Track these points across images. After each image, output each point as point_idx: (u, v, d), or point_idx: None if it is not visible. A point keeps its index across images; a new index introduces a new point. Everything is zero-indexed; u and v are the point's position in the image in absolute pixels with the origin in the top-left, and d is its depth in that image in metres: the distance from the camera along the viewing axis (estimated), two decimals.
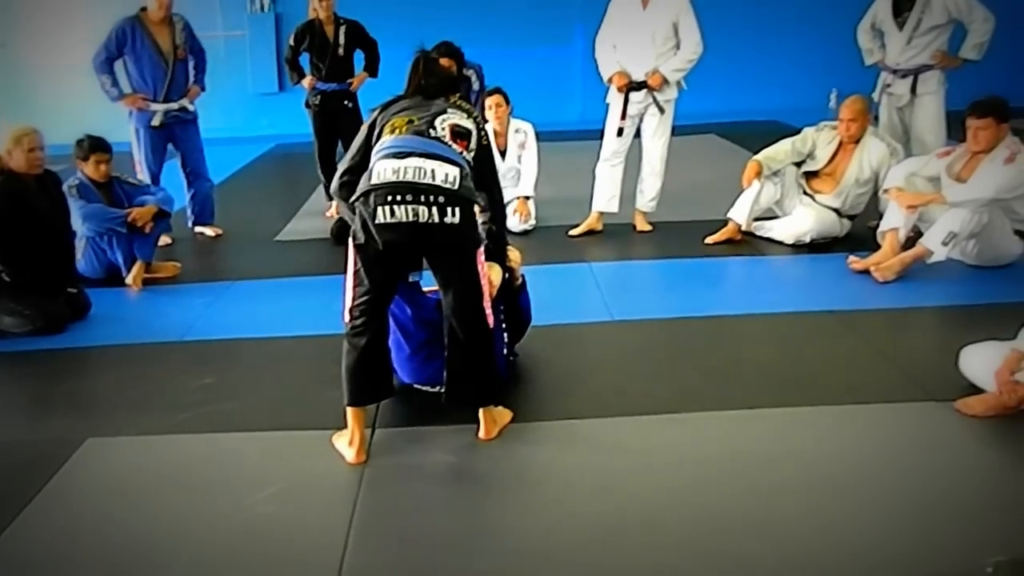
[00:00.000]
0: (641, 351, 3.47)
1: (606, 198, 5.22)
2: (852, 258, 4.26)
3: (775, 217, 4.96)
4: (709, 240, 4.90)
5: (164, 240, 5.35)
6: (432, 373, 3.00)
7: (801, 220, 4.72)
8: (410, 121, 2.61)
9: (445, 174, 2.49)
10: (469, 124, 2.69)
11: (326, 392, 2.86)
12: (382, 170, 2.51)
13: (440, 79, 2.80)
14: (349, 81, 5.86)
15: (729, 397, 3.01)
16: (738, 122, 8.88)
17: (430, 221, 2.49)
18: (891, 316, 3.76)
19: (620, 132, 5.05)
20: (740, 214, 4.85)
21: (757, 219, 4.96)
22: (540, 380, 3.24)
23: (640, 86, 4.90)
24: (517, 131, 5.44)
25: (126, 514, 2.40)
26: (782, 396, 3.00)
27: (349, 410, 2.68)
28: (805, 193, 4.82)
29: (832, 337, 3.54)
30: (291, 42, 5.77)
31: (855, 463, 2.58)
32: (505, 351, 3.17)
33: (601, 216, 5.26)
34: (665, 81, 4.86)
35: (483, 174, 2.78)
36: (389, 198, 2.47)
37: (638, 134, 5.15)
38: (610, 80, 4.97)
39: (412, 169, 2.48)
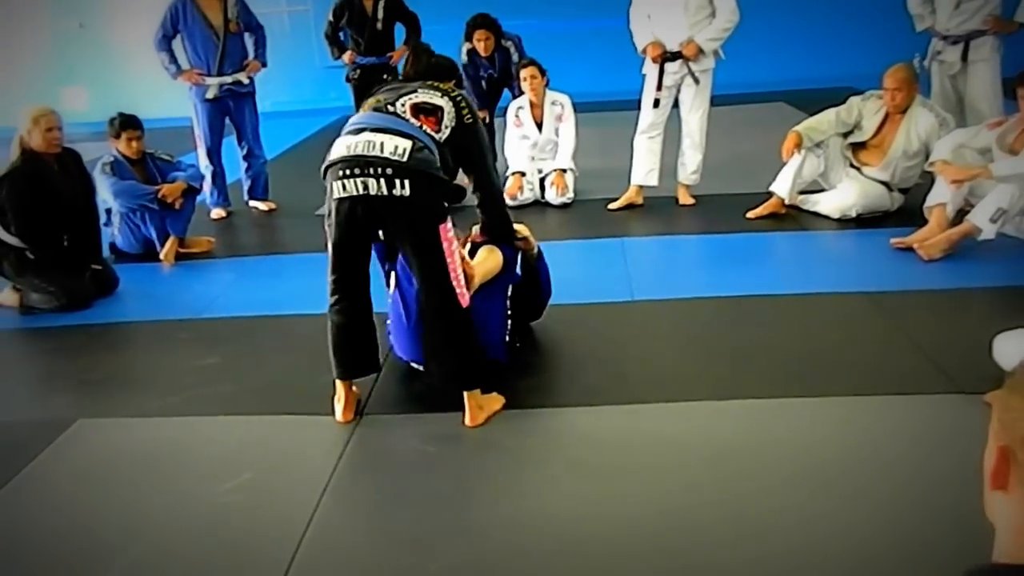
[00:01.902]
0: (655, 334, 3.31)
1: (644, 171, 5.03)
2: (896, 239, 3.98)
3: (823, 190, 4.68)
4: (750, 214, 4.67)
5: (219, 213, 5.47)
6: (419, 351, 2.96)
7: (846, 193, 4.44)
8: (376, 101, 2.61)
9: (395, 146, 2.46)
10: (440, 101, 2.60)
11: (326, 376, 2.81)
12: (337, 147, 2.54)
13: (429, 66, 2.79)
14: (389, 55, 5.81)
15: (742, 385, 2.84)
16: (810, 89, 8.42)
17: (379, 193, 2.47)
18: (930, 298, 3.48)
19: (656, 103, 4.84)
20: (782, 187, 4.60)
21: (803, 192, 4.70)
22: (541, 364, 3.12)
23: (675, 56, 4.68)
24: (554, 103, 5.29)
25: (96, 497, 2.42)
26: (799, 384, 2.81)
27: (338, 382, 2.75)
28: (852, 166, 4.52)
29: (863, 320, 3.30)
30: (330, 17, 5.75)
31: (867, 459, 2.38)
32: (507, 337, 3.06)
33: (640, 190, 5.08)
34: (700, 51, 4.61)
35: (469, 154, 2.71)
36: (341, 172, 2.49)
37: (677, 105, 4.94)
38: (644, 51, 4.76)
39: (362, 143, 2.48)
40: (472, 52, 5.62)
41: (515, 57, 5.57)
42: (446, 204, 2.61)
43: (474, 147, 2.73)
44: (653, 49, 4.69)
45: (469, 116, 2.66)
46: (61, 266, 3.90)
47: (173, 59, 5.19)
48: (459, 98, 2.66)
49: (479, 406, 2.71)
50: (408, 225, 2.55)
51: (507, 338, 3.06)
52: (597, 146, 6.17)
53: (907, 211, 4.40)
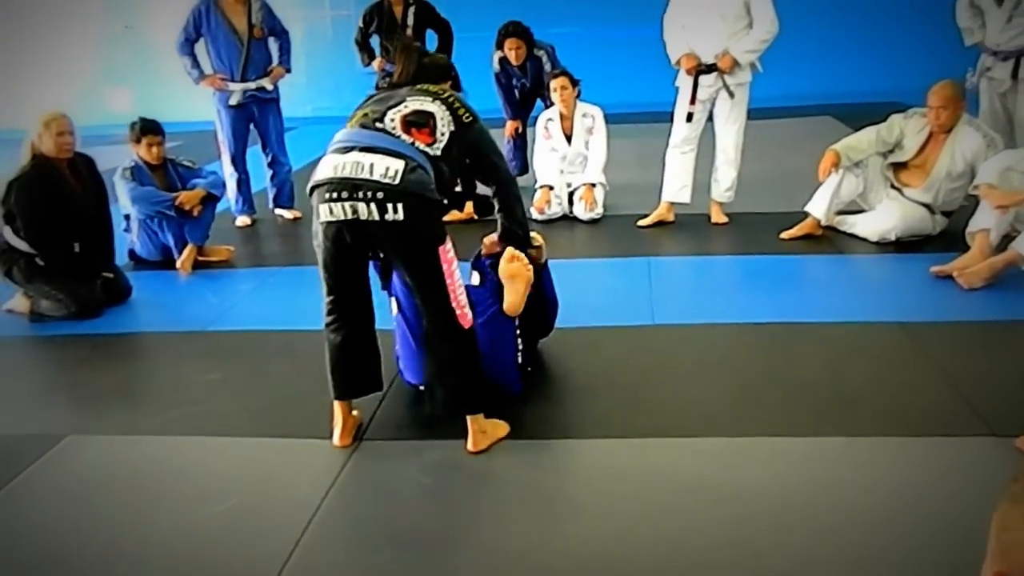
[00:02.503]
0: (674, 362, 3.14)
1: (676, 187, 4.85)
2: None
3: (862, 211, 4.46)
4: (784, 235, 4.47)
5: (243, 221, 5.42)
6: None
7: (885, 216, 4.21)
8: (364, 115, 2.46)
9: (385, 168, 2.32)
10: (434, 107, 2.45)
11: (327, 396, 2.69)
12: (323, 166, 2.41)
13: (421, 67, 2.63)
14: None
15: (762, 420, 2.66)
16: (861, 103, 8.14)
17: (371, 218, 2.34)
18: (967, 331, 3.26)
19: (690, 117, 4.67)
20: (818, 208, 4.39)
21: (841, 213, 4.49)
22: (549, 390, 2.97)
23: (710, 69, 4.49)
24: (585, 115, 5.14)
25: (75, 520, 2.32)
26: (821, 422, 2.63)
27: (335, 403, 2.65)
28: (893, 186, 4.30)
29: (895, 353, 3.10)
30: (360, 23, 5.68)
31: (888, 505, 2.19)
32: (519, 361, 2.93)
33: (671, 207, 4.90)
34: (736, 63, 4.43)
35: (476, 152, 2.59)
36: (327, 195, 2.36)
37: (712, 119, 4.75)
38: (678, 62, 4.59)
39: (350, 164, 2.35)
40: (504, 61, 5.51)
41: (548, 67, 5.44)
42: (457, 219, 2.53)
43: (480, 144, 2.60)
44: (687, 61, 4.52)
45: (467, 115, 2.52)
46: (71, 273, 3.85)
47: (196, 63, 5.15)
48: (451, 99, 2.51)
49: (482, 431, 2.59)
50: (404, 249, 2.44)
51: (519, 362, 2.92)
52: (630, 159, 6.02)
53: (950, 235, 4.16)
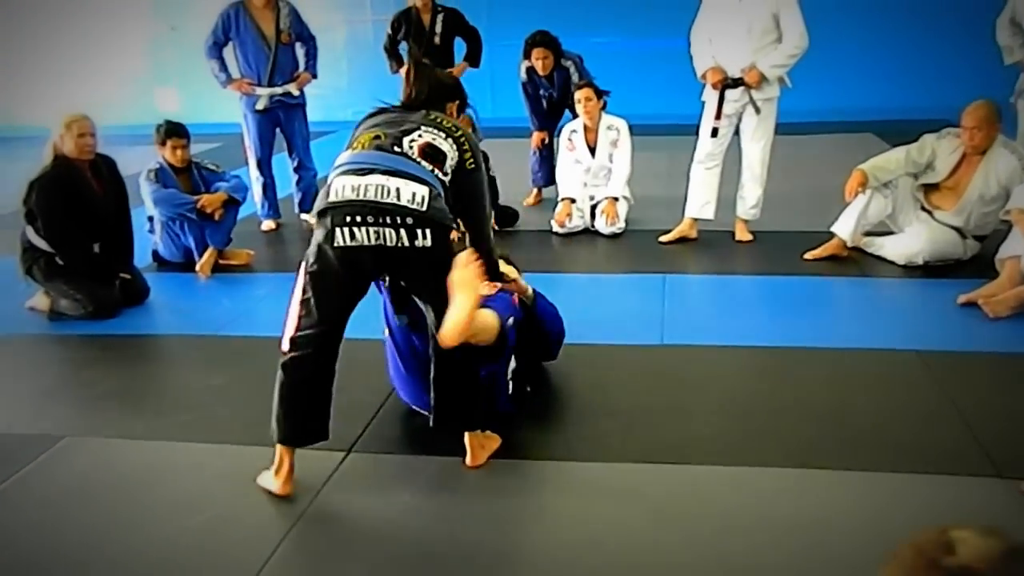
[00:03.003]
0: (678, 384, 3.06)
1: (699, 203, 4.76)
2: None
3: (891, 233, 4.32)
4: (808, 256, 4.36)
5: (269, 225, 5.47)
6: (418, 397, 2.82)
7: (914, 238, 4.08)
8: (376, 136, 2.36)
9: (412, 193, 2.25)
10: (446, 146, 2.39)
11: None
12: (340, 187, 2.27)
13: (432, 87, 2.55)
14: (448, 71, 5.70)
15: (763, 449, 2.59)
16: (904, 121, 7.92)
17: (399, 245, 2.26)
18: (986, 363, 3.14)
19: (715, 132, 4.57)
20: (844, 229, 4.27)
21: (869, 234, 4.36)
22: (546, 409, 2.93)
23: (737, 83, 4.40)
24: (610, 128, 5.07)
25: (58, 524, 2.34)
26: (824, 454, 2.55)
27: (279, 448, 2.43)
28: (923, 208, 4.16)
29: (907, 383, 3.00)
30: (388, 30, 5.69)
31: (872, 546, 2.07)
32: (510, 389, 2.87)
33: (695, 223, 4.81)
34: (764, 78, 4.33)
35: (467, 200, 2.49)
36: (348, 219, 2.24)
37: (739, 133, 4.66)
38: (704, 76, 4.50)
39: (374, 187, 2.24)
40: (531, 71, 5.46)
41: (575, 77, 5.37)
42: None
43: (474, 194, 2.50)
44: (713, 75, 4.44)
45: (472, 162, 2.45)
46: (90, 273, 3.90)
47: (223, 67, 5.20)
48: (463, 140, 2.44)
49: (481, 445, 2.59)
50: (428, 274, 2.35)
51: (510, 390, 2.88)
52: (656, 173, 5.93)
53: (982, 261, 4.01)
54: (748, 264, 4.46)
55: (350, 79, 9.81)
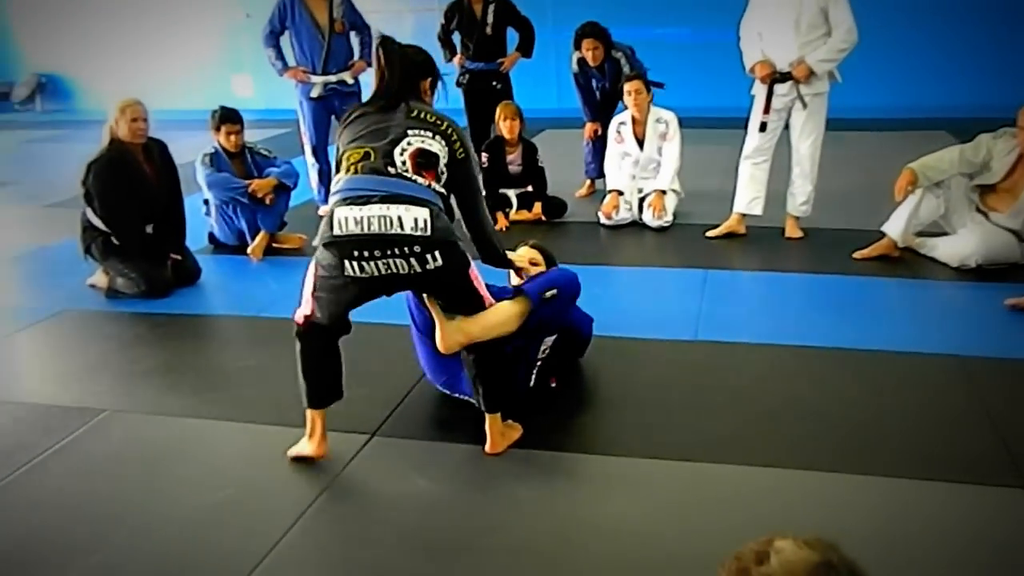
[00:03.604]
0: (704, 381, 3.03)
1: (747, 199, 4.69)
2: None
3: (945, 234, 4.18)
4: (857, 255, 4.25)
5: (325, 210, 5.53)
6: (448, 378, 2.88)
7: (967, 240, 3.94)
8: (366, 154, 2.35)
9: (414, 220, 2.27)
10: (435, 146, 2.40)
11: (352, 390, 2.72)
12: (342, 219, 2.29)
13: (403, 71, 2.47)
14: (499, 61, 5.73)
15: (777, 451, 2.55)
16: (980, 119, 7.59)
17: (411, 272, 2.33)
18: None
19: (763, 127, 4.49)
20: (894, 228, 4.16)
21: (922, 234, 4.22)
22: (569, 400, 2.93)
23: (785, 77, 4.31)
24: (659, 120, 5.02)
25: (88, 495, 2.47)
26: (841, 457, 2.50)
27: (309, 412, 2.57)
28: (978, 210, 4.00)
29: (943, 390, 2.90)
30: (442, 19, 5.74)
31: (887, 552, 2.06)
32: (537, 368, 2.90)
33: (742, 219, 4.73)
34: (812, 73, 4.22)
35: (460, 190, 2.52)
36: (355, 252, 2.29)
37: (788, 128, 4.56)
38: (752, 70, 4.42)
39: (376, 219, 2.26)
40: (582, 62, 5.44)
41: (626, 68, 5.34)
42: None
43: (466, 183, 2.53)
44: (761, 69, 4.35)
45: (462, 152, 2.47)
46: (142, 254, 4.07)
47: (280, 55, 5.32)
48: (450, 132, 2.45)
49: (501, 433, 2.63)
50: (443, 286, 2.46)
51: (533, 378, 2.91)
52: (706, 166, 5.84)
53: None
54: (795, 262, 4.36)
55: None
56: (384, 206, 2.27)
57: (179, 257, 4.23)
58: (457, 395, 2.88)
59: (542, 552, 2.15)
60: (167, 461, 2.64)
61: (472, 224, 2.61)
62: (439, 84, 2.64)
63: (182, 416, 2.91)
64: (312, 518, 2.32)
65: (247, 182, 4.61)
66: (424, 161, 2.38)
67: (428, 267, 2.32)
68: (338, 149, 2.48)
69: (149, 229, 4.16)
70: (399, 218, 2.26)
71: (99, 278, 4.20)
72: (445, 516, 2.32)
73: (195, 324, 3.81)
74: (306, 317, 2.49)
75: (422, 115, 2.45)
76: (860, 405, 2.82)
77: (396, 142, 2.36)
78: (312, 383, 2.54)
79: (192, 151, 4.74)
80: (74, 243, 4.26)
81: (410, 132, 2.39)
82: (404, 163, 2.34)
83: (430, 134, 2.41)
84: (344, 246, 2.29)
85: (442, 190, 2.43)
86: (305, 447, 2.57)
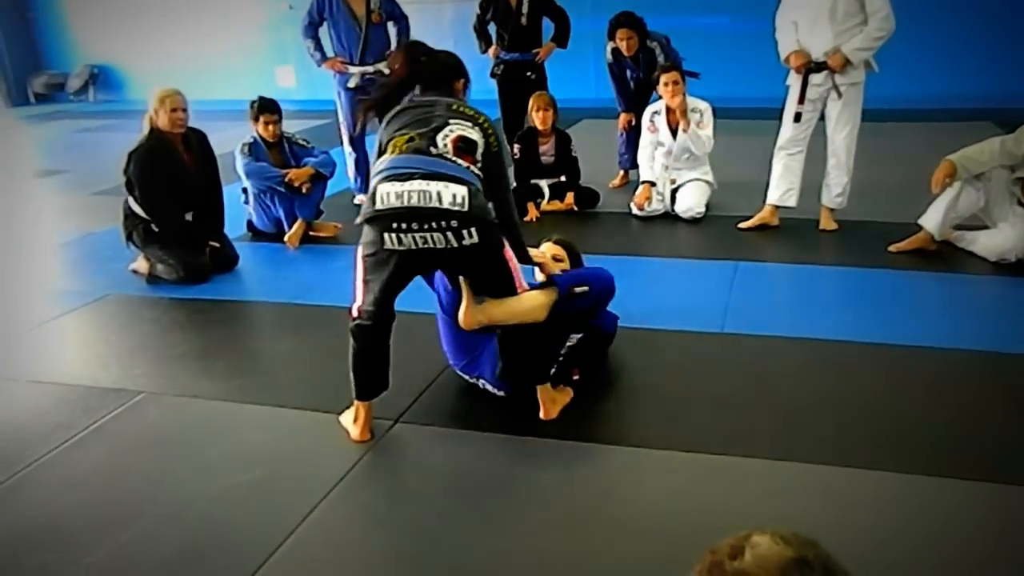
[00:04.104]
0: (728, 374, 3.03)
1: (781, 191, 4.64)
2: None
3: (985, 227, 4.10)
4: (893, 248, 4.19)
5: (361, 199, 5.67)
6: (468, 361, 2.93)
7: (1006, 234, 3.88)
8: (410, 139, 2.49)
9: (453, 195, 2.37)
10: (475, 134, 2.54)
11: None
12: (384, 194, 2.40)
13: (433, 69, 2.67)
14: (534, 51, 5.74)
15: (799, 446, 2.53)
16: None
17: (447, 246, 2.41)
18: None
19: (798, 118, 4.44)
20: (932, 221, 4.08)
21: (961, 227, 4.14)
22: (591, 390, 2.94)
23: (820, 67, 4.25)
24: (693, 110, 4.97)
25: (121, 470, 2.58)
26: (863, 453, 2.47)
27: (356, 402, 2.72)
28: (1020, 203, 3.92)
29: (974, 387, 2.85)
30: (477, 10, 5.76)
31: (909, 551, 2.06)
32: (560, 359, 2.92)
33: (776, 210, 4.69)
34: (848, 62, 4.16)
35: (492, 184, 2.61)
36: (394, 225, 2.39)
37: (824, 118, 4.50)
38: (787, 60, 4.37)
39: (416, 193, 2.37)
40: (616, 52, 5.43)
41: (661, 58, 5.31)
42: None
43: (498, 175, 2.65)
44: (796, 58, 4.30)
45: (495, 145, 2.61)
46: (181, 241, 4.18)
47: (318, 46, 5.40)
48: (486, 125, 2.59)
49: (552, 400, 2.75)
50: (478, 265, 2.56)
51: (554, 368, 2.93)
52: (739, 157, 5.78)
53: None
54: (828, 254, 4.32)
55: None
56: (424, 182, 2.37)
57: (217, 244, 4.33)
58: (474, 379, 2.93)
59: (559, 539, 2.18)
60: (199, 442, 2.73)
61: (499, 214, 2.67)
62: (469, 84, 2.79)
63: (215, 399, 3.00)
64: (335, 499, 2.38)
65: (284, 171, 4.69)
66: (464, 146, 2.50)
67: (464, 243, 2.40)
68: (381, 141, 2.58)
69: (188, 217, 4.27)
70: (438, 193, 2.36)
71: (140, 264, 4.32)
72: (463, 501, 2.37)
73: (231, 310, 3.91)
74: (359, 310, 2.62)
75: (462, 109, 2.59)
76: (890, 401, 2.79)
77: (439, 129, 2.50)
78: (362, 377, 2.68)
79: (236, 141, 4.84)
80: (118, 230, 4.40)
81: (451, 121, 2.53)
82: (446, 146, 2.47)
83: (469, 124, 2.55)
84: (384, 219, 2.40)
85: (480, 173, 2.52)
86: (351, 427, 2.71)
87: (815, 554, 0.94)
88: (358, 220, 2.51)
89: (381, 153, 2.54)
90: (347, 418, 2.74)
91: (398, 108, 2.61)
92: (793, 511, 2.23)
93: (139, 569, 2.13)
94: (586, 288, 2.79)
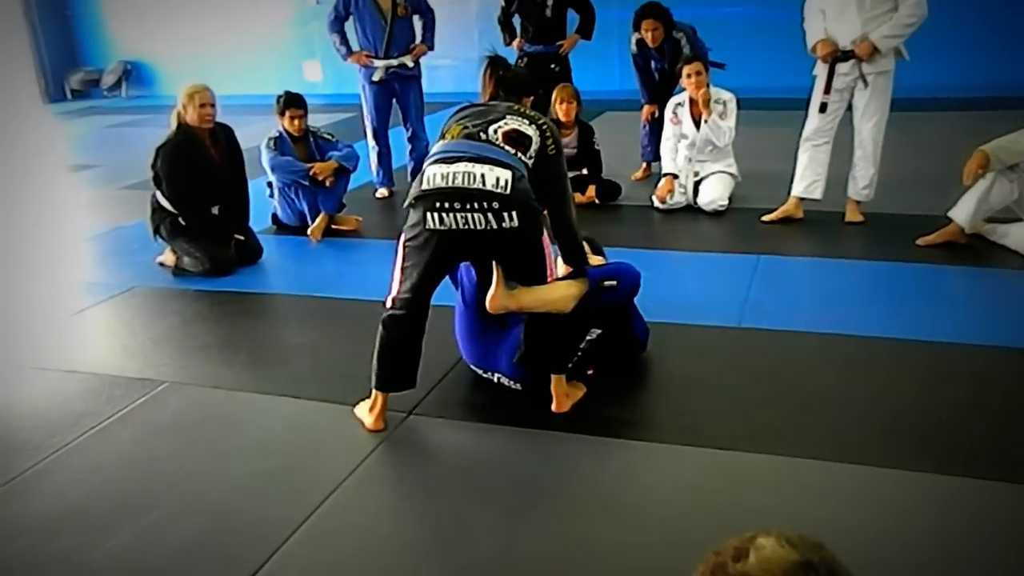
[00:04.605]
0: (742, 369, 2.99)
1: (806, 183, 4.58)
2: None
3: (1018, 220, 4.02)
4: (921, 242, 4.12)
5: (383, 193, 5.71)
6: (482, 355, 2.94)
7: None
8: (464, 127, 2.56)
9: (496, 178, 2.42)
10: (530, 131, 2.57)
11: None
12: (431, 175, 2.47)
13: (507, 85, 2.78)
14: (558, 44, 5.72)
15: (813, 443, 2.50)
16: None
17: (487, 228, 2.45)
18: None
19: (824, 108, 4.38)
20: (962, 214, 4.01)
21: (993, 220, 4.07)
22: (601, 384, 2.92)
23: (848, 56, 4.19)
24: (716, 101, 4.93)
25: (146, 457, 2.64)
26: (884, 452, 2.44)
27: (375, 392, 2.72)
28: None
29: (1001, 385, 2.80)
30: (502, 2, 5.75)
31: (933, 552, 2.04)
32: (577, 355, 2.91)
33: (800, 203, 4.64)
34: (876, 50, 4.09)
35: (549, 185, 2.63)
36: (438, 204, 2.44)
37: (851, 108, 4.43)
38: (813, 49, 4.31)
39: (461, 175, 2.43)
40: (641, 43, 5.39)
41: (686, 49, 5.26)
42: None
43: (555, 178, 2.66)
44: (823, 47, 4.24)
45: (553, 147, 2.62)
46: (208, 234, 4.24)
47: (344, 41, 5.43)
48: (545, 127, 2.61)
49: (565, 394, 2.77)
50: (517, 251, 2.58)
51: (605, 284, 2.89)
52: (764, 148, 5.71)
53: None
54: (853, 248, 4.26)
55: (481, 50, 9.94)
56: (471, 164, 2.43)
57: (242, 237, 4.39)
58: (489, 374, 2.93)
59: (571, 531, 2.18)
60: (220, 431, 2.78)
61: (557, 220, 2.71)
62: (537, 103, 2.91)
63: (236, 389, 3.04)
64: (349, 489, 2.41)
65: (309, 165, 4.73)
66: (516, 138, 2.54)
67: (504, 225, 2.43)
68: (441, 132, 2.66)
69: (215, 210, 4.32)
70: (482, 175, 2.41)
71: (167, 257, 4.39)
72: (476, 493, 2.38)
73: (254, 302, 3.96)
74: (394, 299, 2.63)
75: (523, 109, 2.66)
76: (914, 398, 2.74)
77: (495, 121, 2.57)
78: (385, 367, 2.68)
79: (262, 135, 4.89)
80: (145, 224, 4.46)
81: (508, 116, 2.59)
82: (496, 134, 2.53)
83: (527, 122, 2.60)
84: (429, 199, 2.45)
85: (528, 162, 2.54)
86: (365, 416, 2.73)
87: (820, 557, 0.92)
88: (406, 203, 2.55)
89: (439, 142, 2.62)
90: (362, 408, 2.76)
91: (464, 104, 2.70)
92: (806, 509, 2.20)
93: (159, 553, 2.17)
94: (615, 282, 2.82)
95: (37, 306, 4.07)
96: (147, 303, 4.01)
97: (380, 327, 2.67)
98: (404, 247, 2.59)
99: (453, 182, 2.42)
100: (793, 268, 4.06)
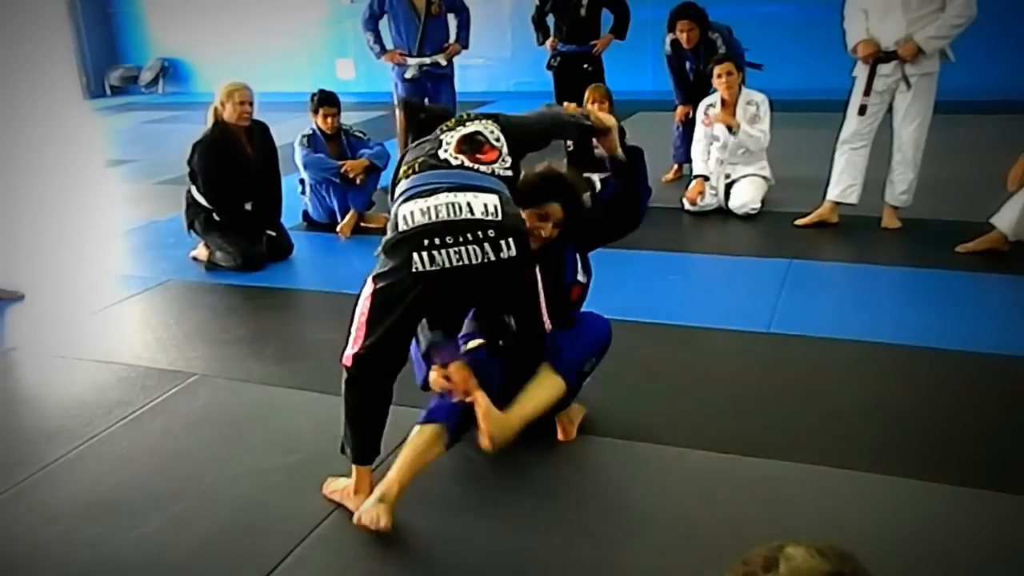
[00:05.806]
0: (771, 374, 2.96)
1: (842, 187, 4.51)
2: None
3: None
4: (961, 249, 4.03)
5: None
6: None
7: None
8: (420, 160, 2.24)
9: (483, 205, 2.12)
10: (473, 126, 2.32)
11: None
12: (408, 214, 2.11)
13: (419, 124, 2.49)
14: (592, 43, 5.70)
15: (834, 450, 2.46)
16: None
17: (485, 260, 2.12)
18: None
19: (863, 110, 4.30)
20: (1005, 221, 3.92)
21: None
22: (624, 386, 2.88)
23: (890, 57, 4.10)
24: (749, 102, 4.88)
25: (174, 447, 2.68)
26: (902, 462, 2.39)
27: (356, 468, 2.30)
28: None
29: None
30: (537, 1, 5.74)
31: (954, 567, 1.99)
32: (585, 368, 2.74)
33: (836, 207, 4.56)
34: (920, 51, 4.01)
35: (538, 126, 2.50)
36: (426, 242, 2.09)
37: (891, 111, 4.35)
38: (854, 49, 4.23)
39: (444, 206, 2.10)
40: (675, 43, 5.35)
41: (722, 49, 5.20)
42: None
43: (533, 119, 2.52)
44: (864, 47, 4.15)
45: (506, 118, 2.41)
46: (241, 230, 4.29)
47: (378, 39, 5.47)
48: (476, 115, 2.41)
49: (570, 421, 2.64)
50: (512, 283, 2.26)
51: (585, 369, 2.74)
52: (799, 150, 5.64)
53: None
54: (889, 254, 4.18)
55: (514, 49, 9.96)
56: (451, 194, 2.13)
57: (274, 233, 4.43)
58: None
59: (580, 533, 2.17)
60: (247, 424, 2.81)
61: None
62: None
63: (264, 383, 3.07)
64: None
65: (341, 163, 4.76)
66: (475, 139, 2.28)
67: (502, 255, 2.12)
68: (394, 179, 2.33)
69: (248, 207, 4.36)
70: (468, 204, 2.11)
71: (200, 251, 4.44)
72: (486, 494, 2.39)
73: (284, 297, 4.00)
74: (355, 356, 2.23)
75: (446, 124, 2.39)
76: (948, 409, 2.68)
77: (439, 145, 2.29)
78: (361, 434, 2.29)
79: (296, 132, 4.92)
80: (180, 218, 4.52)
81: (443, 135, 2.31)
82: (446, 151, 2.25)
83: (461, 127, 2.33)
84: (413, 239, 2.10)
85: (506, 174, 2.28)
86: (350, 501, 2.29)
87: (852, 569, 0.90)
88: (377, 251, 2.21)
89: (395, 186, 2.28)
90: (344, 492, 2.32)
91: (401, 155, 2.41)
92: (833, 519, 2.16)
93: (183, 543, 2.19)
94: (594, 360, 2.62)
95: (74, 298, 4.13)
96: (180, 296, 4.06)
97: (344, 389, 2.27)
98: (372, 297, 2.18)
99: (437, 216, 2.08)
100: (826, 273, 4.00)
